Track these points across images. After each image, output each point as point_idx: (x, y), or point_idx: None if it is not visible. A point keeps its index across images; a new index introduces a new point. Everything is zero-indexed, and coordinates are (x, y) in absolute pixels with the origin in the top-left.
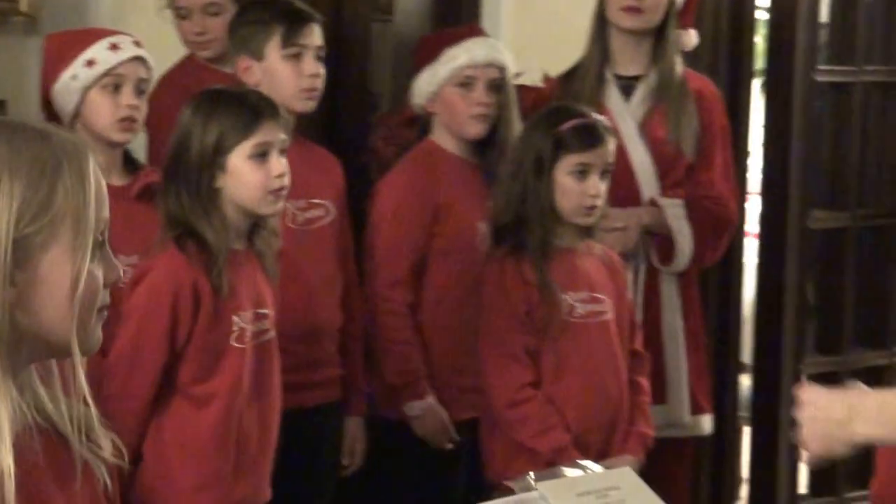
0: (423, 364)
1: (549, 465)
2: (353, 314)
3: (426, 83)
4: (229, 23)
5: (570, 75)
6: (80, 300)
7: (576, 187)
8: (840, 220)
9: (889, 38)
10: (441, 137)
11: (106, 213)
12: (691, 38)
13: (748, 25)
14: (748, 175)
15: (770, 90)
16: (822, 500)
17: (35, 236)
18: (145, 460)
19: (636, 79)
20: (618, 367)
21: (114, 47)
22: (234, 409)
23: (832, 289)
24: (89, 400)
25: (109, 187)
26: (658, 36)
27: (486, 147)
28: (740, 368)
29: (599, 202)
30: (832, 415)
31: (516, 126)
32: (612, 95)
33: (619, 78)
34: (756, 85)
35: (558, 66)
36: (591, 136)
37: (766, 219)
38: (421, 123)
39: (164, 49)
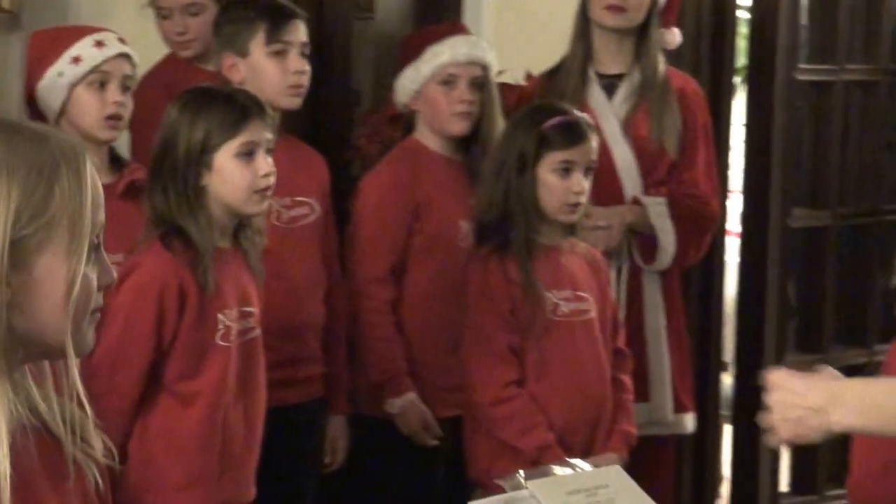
0: (403, 361)
1: (532, 463)
2: (337, 312)
3: (409, 81)
4: (214, 20)
5: (553, 73)
6: (75, 302)
7: (559, 184)
8: (821, 218)
9: (870, 36)
10: (424, 135)
11: (101, 215)
12: (674, 36)
13: (730, 24)
14: (729, 173)
15: (751, 88)
16: (803, 498)
17: (31, 238)
18: (131, 459)
19: (619, 77)
20: (601, 365)
21: (99, 44)
22: (220, 407)
23: (813, 287)
24: (84, 401)
25: None
26: (641, 34)
27: (469, 145)
28: (721, 367)
29: (583, 199)
30: (809, 401)
31: (499, 124)
32: (595, 94)
33: (601, 76)
34: (738, 83)
35: (540, 64)
36: (574, 133)
37: (747, 217)
38: (405, 121)
39: (147, 46)
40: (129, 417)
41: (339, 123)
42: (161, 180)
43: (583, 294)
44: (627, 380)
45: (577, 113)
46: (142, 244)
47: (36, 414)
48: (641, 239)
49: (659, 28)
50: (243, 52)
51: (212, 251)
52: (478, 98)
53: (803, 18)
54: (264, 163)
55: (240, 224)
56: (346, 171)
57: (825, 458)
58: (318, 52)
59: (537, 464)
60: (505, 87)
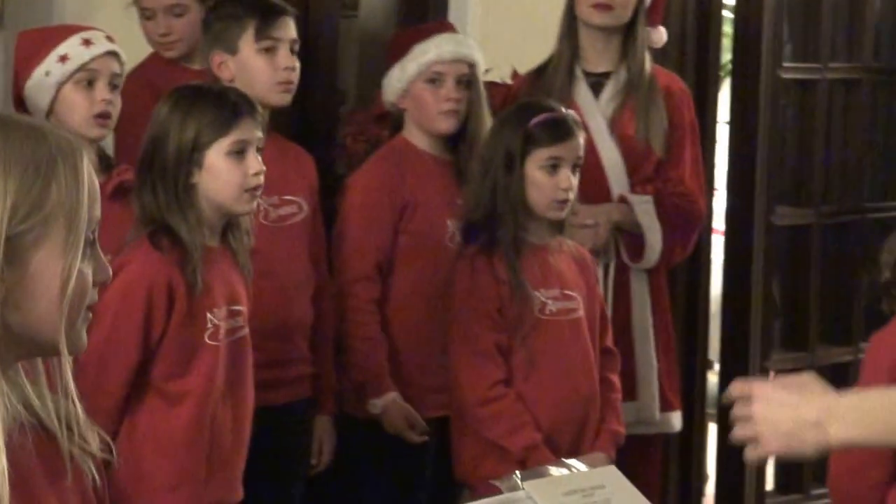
0: (385, 361)
1: (519, 463)
2: (325, 312)
3: (396, 79)
4: (203, 18)
5: (540, 72)
6: (70, 299)
7: (547, 181)
8: (805, 216)
9: (853, 35)
10: (412, 134)
11: (97, 211)
12: (660, 35)
13: (715, 23)
14: (714, 171)
15: (736, 87)
16: (788, 497)
17: (27, 234)
18: (118, 459)
19: (605, 75)
20: (589, 364)
21: (86, 42)
22: (208, 406)
23: (797, 285)
24: (76, 398)
25: None
26: (627, 33)
27: (457, 144)
28: (707, 365)
29: (571, 196)
30: (802, 415)
31: (486, 122)
32: (582, 92)
33: (588, 75)
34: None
35: (526, 63)
36: (561, 130)
37: (731, 215)
38: (393, 120)
39: (132, 45)
40: (116, 417)
41: (324, 122)
42: (150, 178)
43: (571, 293)
44: (615, 379)
45: (564, 109)
46: (130, 243)
47: (31, 411)
48: (628, 237)
49: (645, 27)
50: (232, 50)
51: (201, 250)
52: (465, 96)
53: (787, 17)
54: (255, 161)
55: (228, 223)
56: (331, 169)
57: (810, 457)
58: (305, 51)
59: (524, 464)
60: (491, 86)
